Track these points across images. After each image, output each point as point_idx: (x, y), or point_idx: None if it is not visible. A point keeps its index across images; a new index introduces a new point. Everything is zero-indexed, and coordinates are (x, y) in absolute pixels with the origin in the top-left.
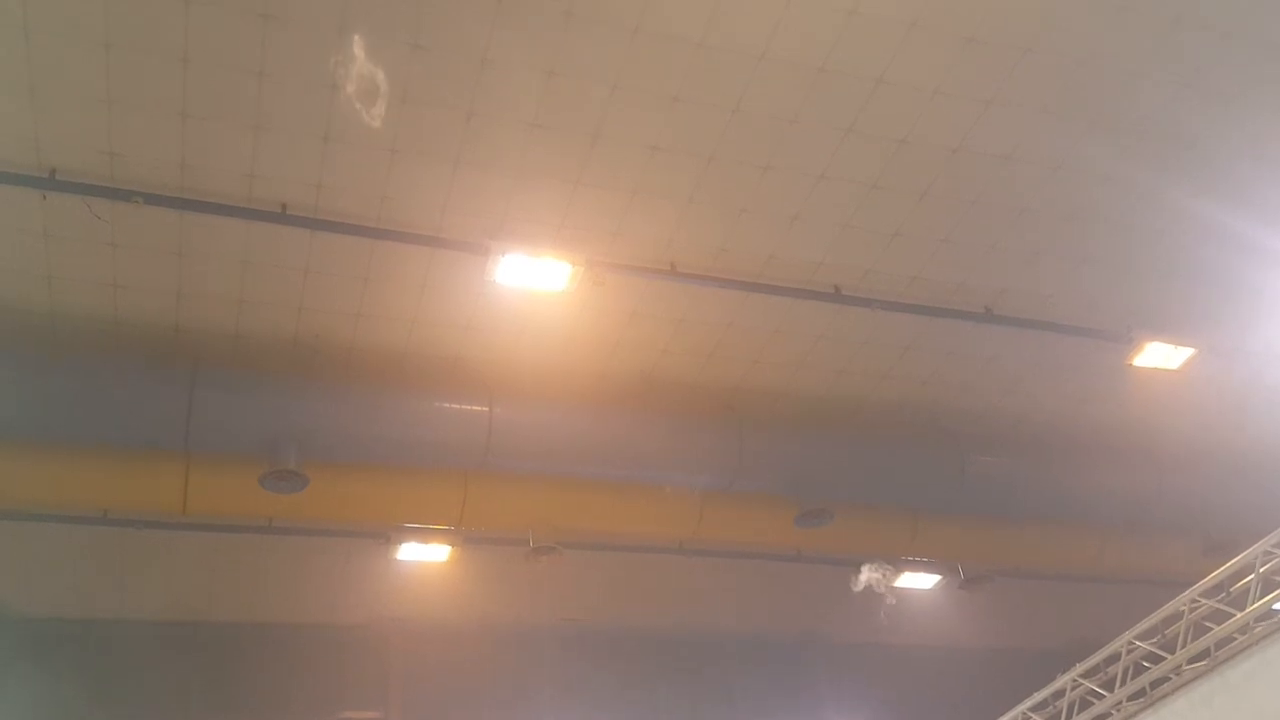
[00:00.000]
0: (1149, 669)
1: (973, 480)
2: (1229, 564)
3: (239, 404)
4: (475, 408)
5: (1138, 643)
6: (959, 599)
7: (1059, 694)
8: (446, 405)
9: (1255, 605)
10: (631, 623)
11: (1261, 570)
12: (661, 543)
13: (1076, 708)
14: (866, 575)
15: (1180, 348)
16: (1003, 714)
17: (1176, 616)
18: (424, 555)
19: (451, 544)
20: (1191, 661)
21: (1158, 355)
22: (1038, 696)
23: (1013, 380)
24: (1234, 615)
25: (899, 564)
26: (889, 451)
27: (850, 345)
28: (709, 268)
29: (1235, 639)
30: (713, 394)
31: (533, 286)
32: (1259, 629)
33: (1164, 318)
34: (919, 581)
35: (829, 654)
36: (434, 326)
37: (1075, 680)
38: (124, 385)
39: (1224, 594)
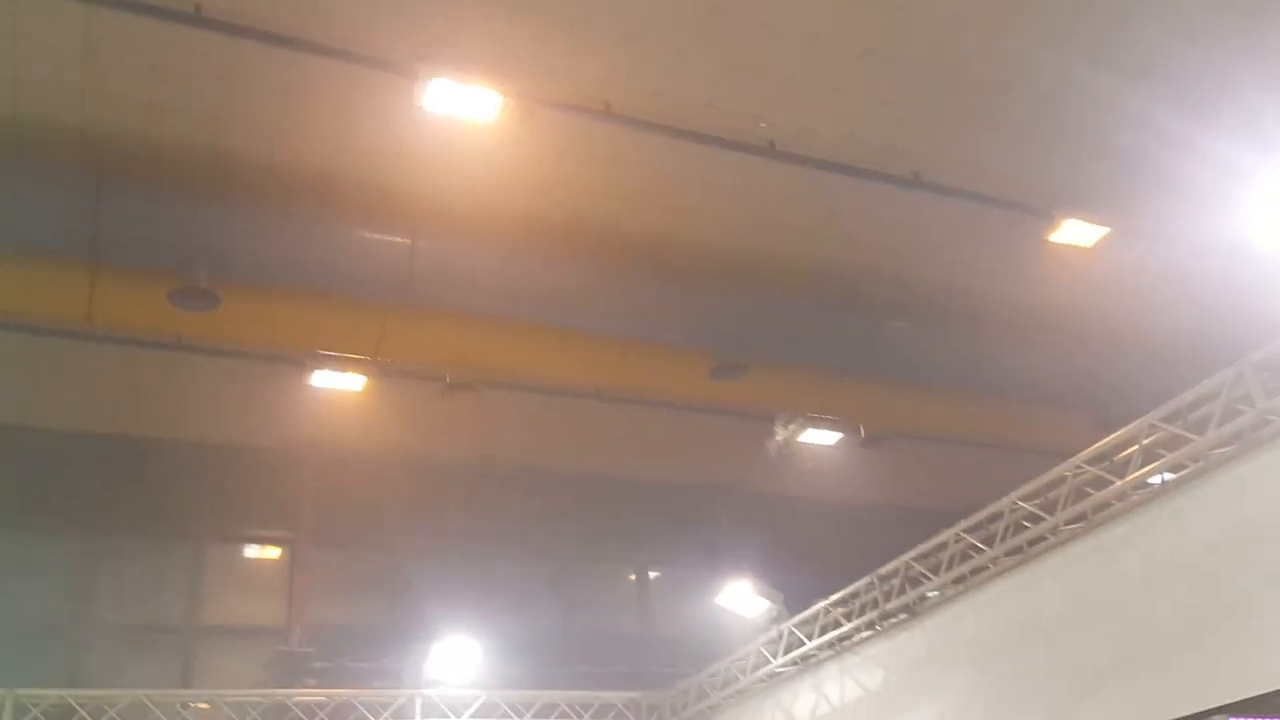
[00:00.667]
0: (1028, 528)
1: (886, 343)
2: (1114, 435)
3: (148, 213)
4: (398, 239)
5: (1021, 503)
6: (859, 457)
7: (941, 546)
8: (368, 234)
9: (1134, 475)
10: (544, 462)
11: (1145, 442)
12: (580, 387)
13: (957, 560)
14: (774, 430)
15: (1095, 226)
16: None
17: (1059, 481)
18: (339, 383)
19: (368, 374)
20: (1069, 523)
21: (1074, 232)
22: (922, 548)
23: (934, 248)
24: (1114, 483)
25: (806, 420)
26: (807, 311)
27: (779, 202)
28: (644, 111)
29: (1112, 505)
30: (639, 242)
31: (462, 116)
32: (1135, 496)
33: (1083, 196)
34: (823, 438)
35: (733, 503)
36: (358, 152)
37: (958, 535)
38: (26, 186)
39: (1106, 462)
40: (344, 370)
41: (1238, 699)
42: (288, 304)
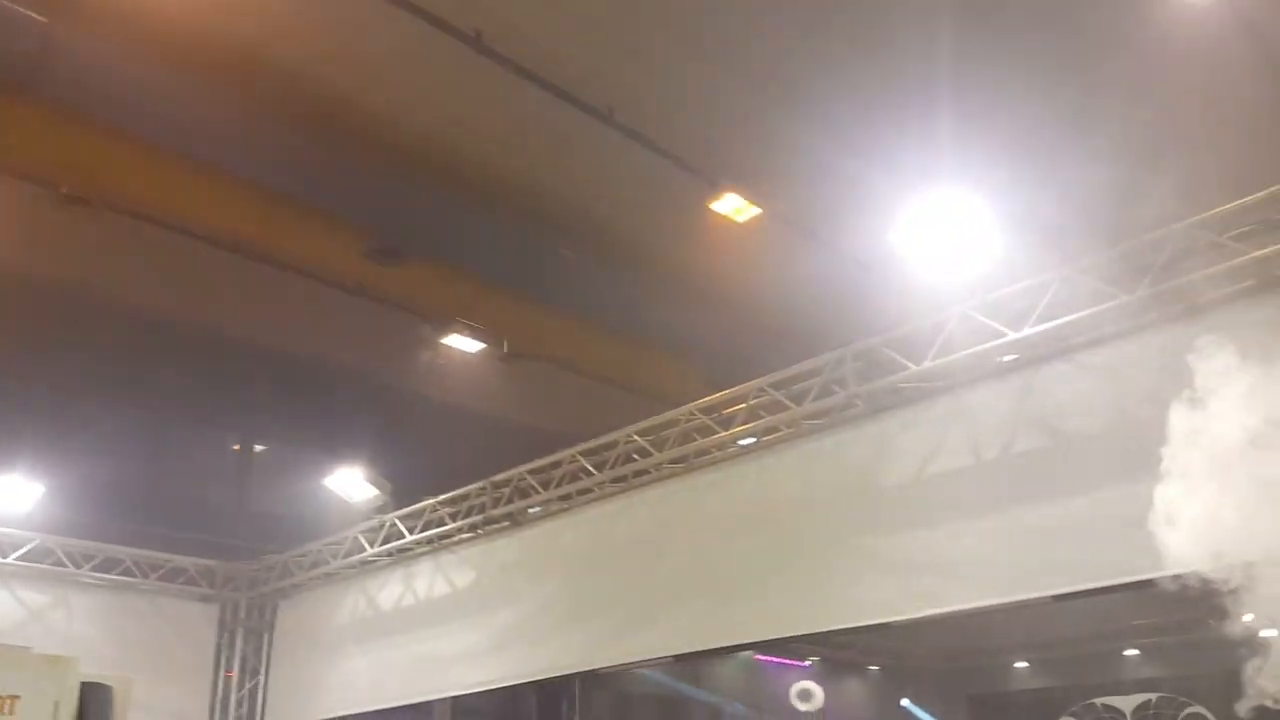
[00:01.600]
0: (636, 461)
1: (548, 268)
2: (726, 391)
3: None
4: (32, 14)
5: (635, 437)
6: (497, 370)
7: (556, 464)
8: None
9: (737, 429)
10: (162, 307)
11: (751, 403)
12: (218, 234)
13: (567, 479)
14: (418, 326)
15: (751, 205)
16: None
17: (672, 424)
18: None
19: None
20: (672, 462)
21: (732, 205)
22: (538, 463)
23: (612, 187)
24: (718, 433)
25: (452, 323)
26: (478, 216)
27: (475, 99)
28: None
29: (712, 453)
30: (317, 97)
31: None
32: (733, 449)
33: (751, 174)
34: (465, 344)
35: (358, 390)
36: None
37: (574, 455)
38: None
39: (715, 414)
40: None
41: (779, 637)
42: None
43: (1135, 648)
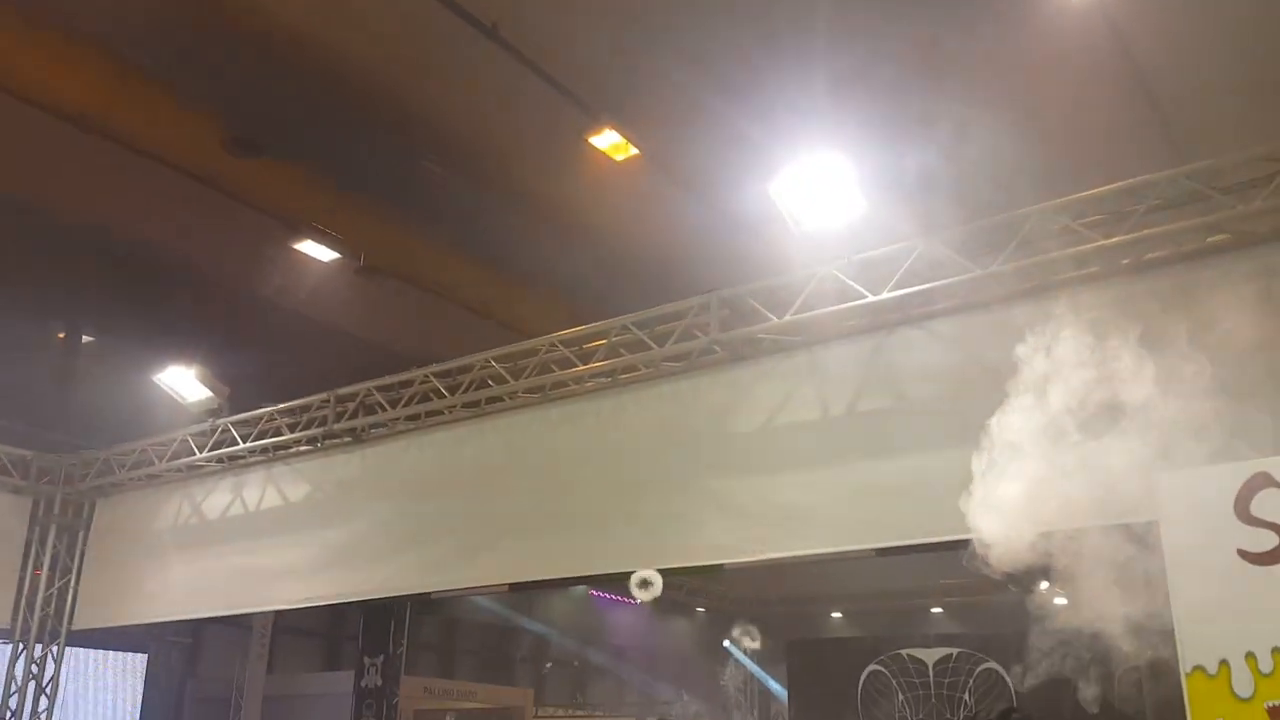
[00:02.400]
0: (491, 387)
1: (418, 182)
2: (590, 325)
3: None
4: None
5: (493, 363)
6: (350, 283)
7: (407, 383)
8: None
9: (596, 364)
10: None
11: (613, 339)
12: (61, 105)
13: (417, 399)
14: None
15: (630, 146)
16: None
17: (532, 353)
18: None
19: None
20: (528, 392)
21: (611, 142)
22: (388, 379)
23: (492, 107)
24: (576, 366)
25: (309, 229)
26: (347, 118)
27: None
28: None
29: (569, 385)
30: None
31: None
32: (590, 383)
33: (632, 114)
34: (320, 252)
35: (201, 288)
36: None
37: (426, 375)
38: None
39: (576, 348)
40: None
41: (618, 572)
42: None
43: (940, 606)
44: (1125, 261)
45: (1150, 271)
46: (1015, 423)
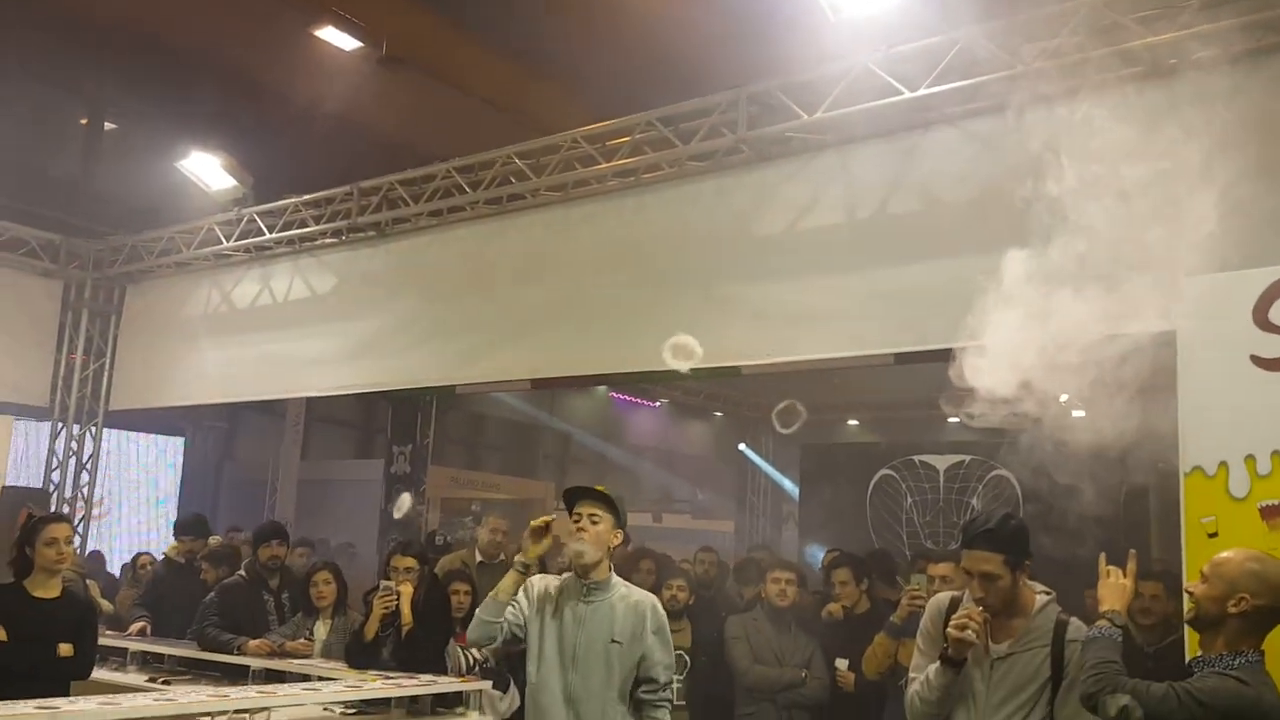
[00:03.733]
0: (513, 184)
1: None
2: (612, 120)
3: None
4: None
5: (514, 158)
6: (373, 73)
7: (429, 177)
8: None
9: (619, 161)
10: None
11: (636, 136)
12: None
13: (440, 195)
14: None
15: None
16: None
17: (554, 149)
18: None
19: None
20: (549, 189)
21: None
22: (410, 173)
23: None
24: (600, 164)
25: (329, 14)
26: None
27: None
28: None
29: (591, 183)
30: None
31: None
32: (612, 181)
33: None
34: (342, 40)
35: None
36: None
37: (448, 170)
38: None
39: (600, 145)
40: None
41: (638, 371)
42: None
43: (957, 416)
44: (1172, 61)
45: (1198, 72)
46: (1045, 227)
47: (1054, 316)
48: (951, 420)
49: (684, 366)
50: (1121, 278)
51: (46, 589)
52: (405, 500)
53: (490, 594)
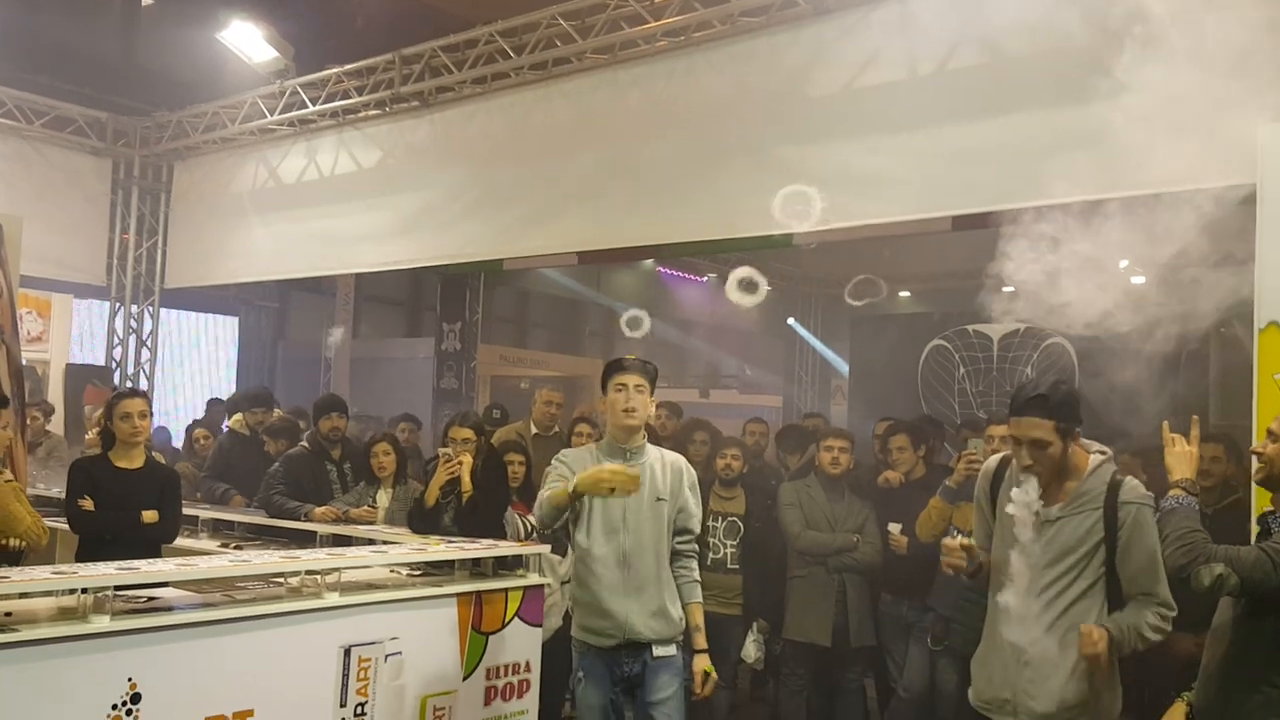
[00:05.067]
0: (558, 47)
1: None
2: None
3: None
4: None
5: (559, 20)
6: None
7: (471, 43)
8: None
9: (668, 20)
10: None
11: None
12: None
13: (483, 60)
14: None
15: None
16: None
17: (600, 8)
18: None
19: None
20: (596, 52)
21: None
22: (452, 39)
23: None
24: (648, 23)
25: None
26: None
27: None
28: None
29: (639, 44)
30: None
31: None
32: (661, 43)
33: None
34: None
35: None
36: None
37: (490, 35)
38: None
39: (647, 3)
40: None
41: (687, 241)
42: None
43: (1013, 285)
44: None
45: None
46: (1115, 80)
47: (1122, 175)
48: (1006, 289)
49: (749, 302)
50: (1197, 130)
51: (130, 460)
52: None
53: (546, 499)
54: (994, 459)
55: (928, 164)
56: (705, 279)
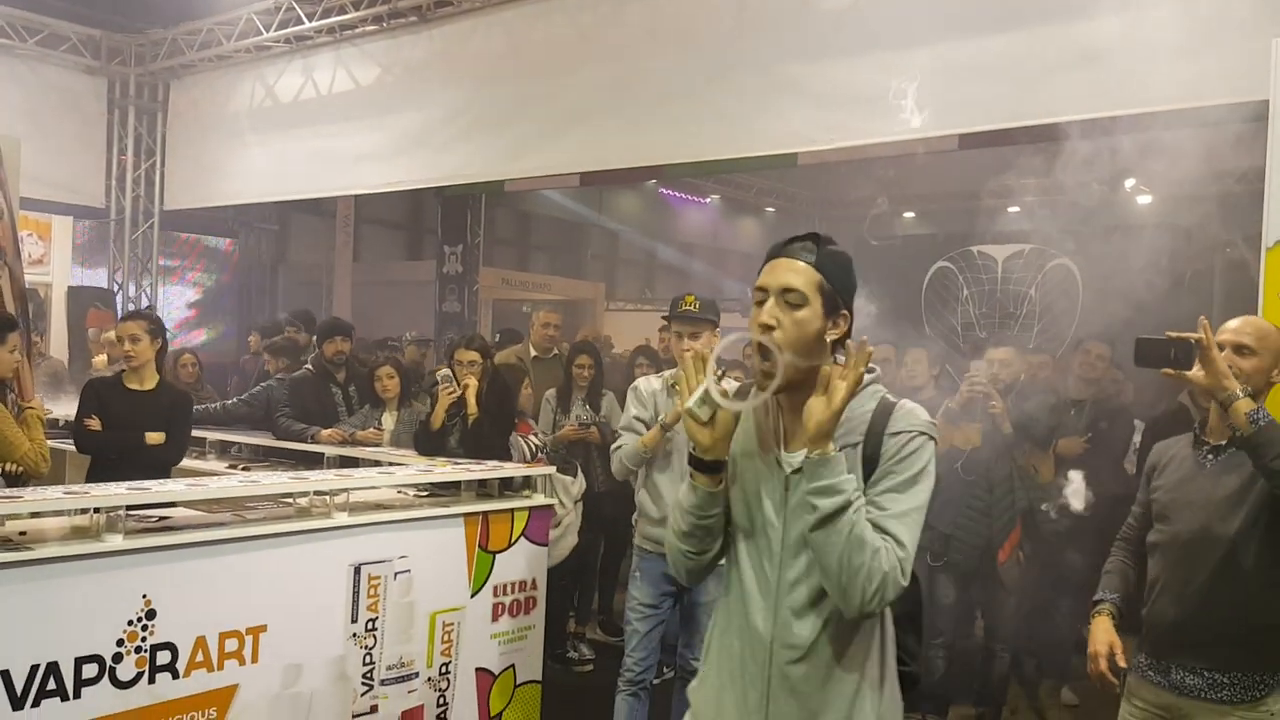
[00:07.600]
0: None
1: None
2: None
3: None
4: None
5: None
6: None
7: None
8: None
9: None
10: None
11: None
12: None
13: None
14: None
15: None
16: None
17: None
18: None
19: None
20: None
21: None
22: None
23: None
24: None
25: None
26: None
27: None
28: None
29: None
30: None
31: None
32: None
33: None
34: None
35: None
36: None
37: None
38: None
39: None
40: None
41: (690, 161)
42: None
43: (1018, 205)
44: None
45: None
46: None
47: (1130, 92)
48: (1012, 210)
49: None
50: (1207, 45)
51: (141, 381)
52: None
53: (638, 447)
54: None
55: (930, 80)
56: (708, 200)
